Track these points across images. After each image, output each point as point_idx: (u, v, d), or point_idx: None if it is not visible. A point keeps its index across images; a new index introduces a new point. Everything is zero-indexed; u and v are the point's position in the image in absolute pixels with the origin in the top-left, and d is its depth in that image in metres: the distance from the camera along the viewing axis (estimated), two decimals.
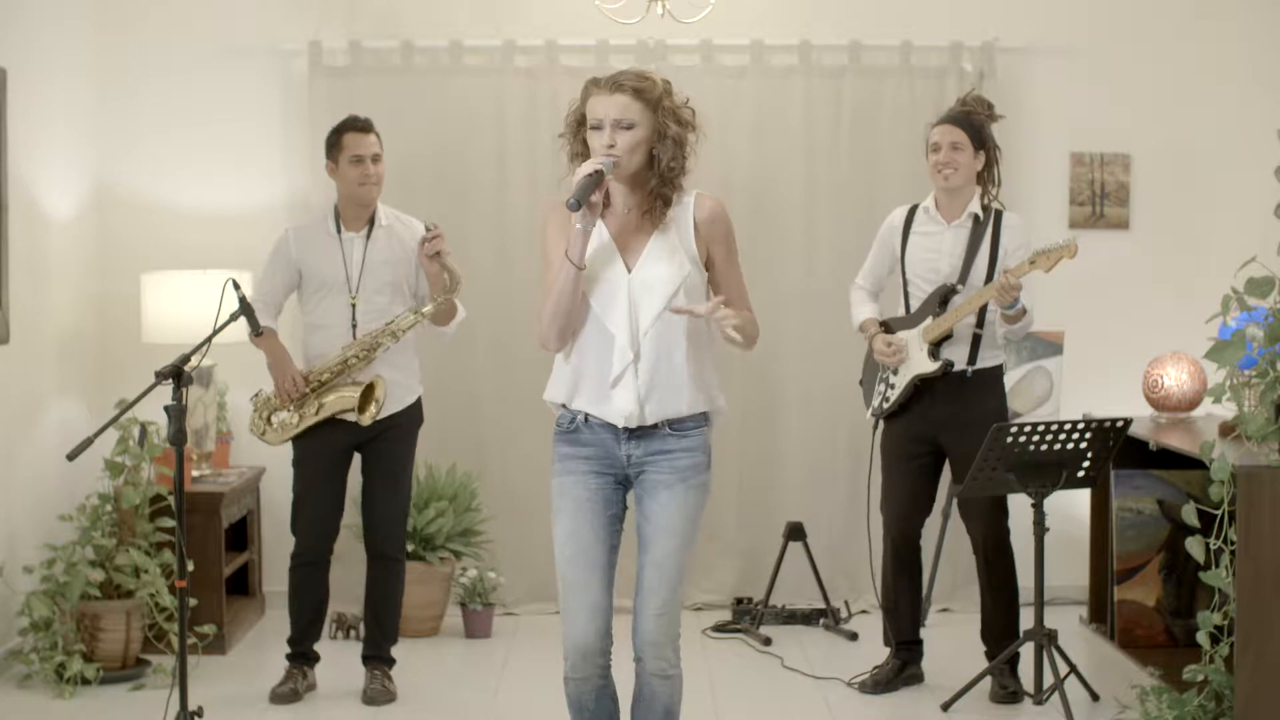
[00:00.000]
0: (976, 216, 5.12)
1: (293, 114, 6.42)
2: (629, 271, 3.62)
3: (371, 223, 5.22)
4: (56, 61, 5.97)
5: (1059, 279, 6.42)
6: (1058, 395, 6.15)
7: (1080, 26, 6.55)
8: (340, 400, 5.12)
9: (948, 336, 5.09)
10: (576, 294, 3.58)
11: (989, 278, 5.05)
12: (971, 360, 5.12)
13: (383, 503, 5.27)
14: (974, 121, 5.12)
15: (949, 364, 5.09)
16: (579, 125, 3.65)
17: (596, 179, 3.51)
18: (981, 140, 5.12)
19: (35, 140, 5.72)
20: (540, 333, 3.63)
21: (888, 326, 5.26)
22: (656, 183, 3.61)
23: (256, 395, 5.26)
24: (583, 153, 3.64)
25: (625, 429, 3.63)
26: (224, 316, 4.43)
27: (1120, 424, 4.94)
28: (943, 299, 5.10)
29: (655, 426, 3.64)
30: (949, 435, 5.13)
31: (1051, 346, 6.17)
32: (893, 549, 5.29)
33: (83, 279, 6.21)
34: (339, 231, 5.21)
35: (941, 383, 5.11)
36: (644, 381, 3.59)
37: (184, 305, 5.84)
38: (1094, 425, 4.88)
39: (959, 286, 5.08)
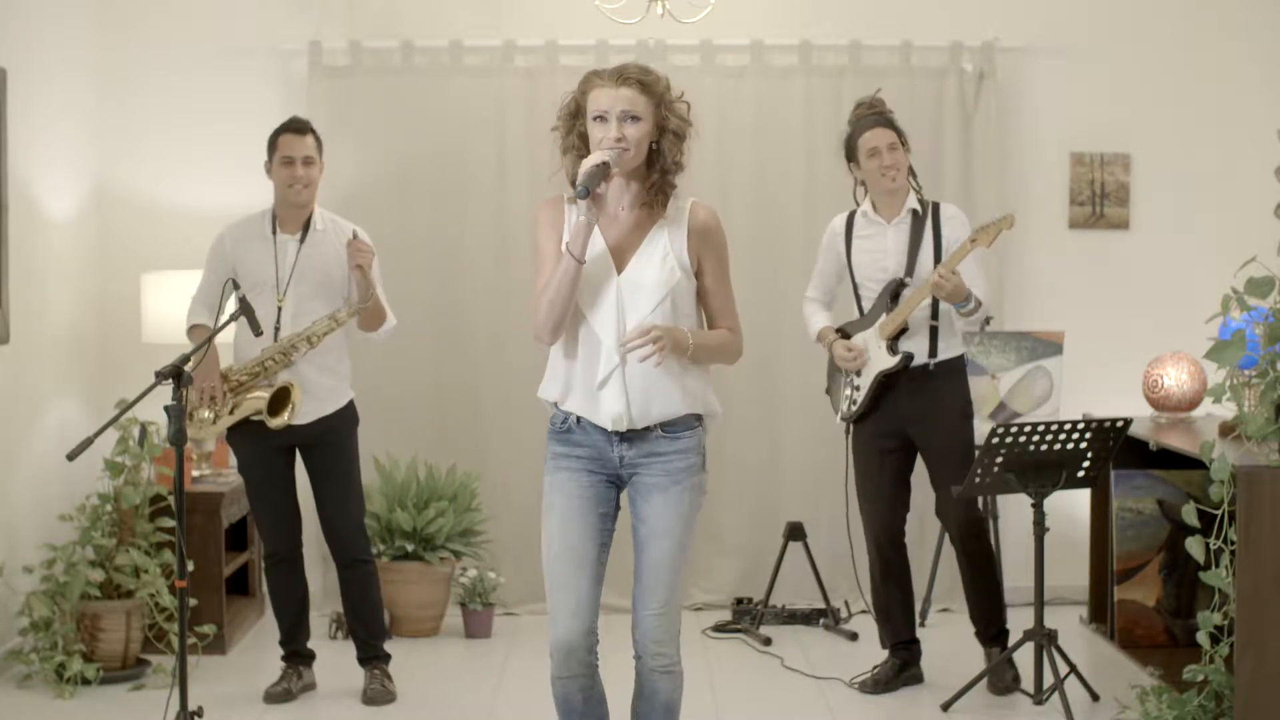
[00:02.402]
0: (915, 211, 5.18)
1: (293, 114, 6.39)
2: (619, 272, 3.60)
3: (307, 226, 5.15)
4: (56, 61, 5.96)
5: (1060, 279, 6.45)
6: (1058, 395, 6.14)
7: (1080, 26, 6.55)
8: (253, 402, 5.08)
9: (904, 330, 5.12)
10: (575, 288, 3.55)
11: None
12: (932, 353, 5.15)
13: (335, 508, 5.20)
14: (894, 121, 5.18)
15: (909, 356, 5.11)
16: (574, 118, 3.63)
17: (603, 170, 3.49)
18: (903, 138, 5.17)
19: (35, 140, 5.72)
20: (535, 326, 3.61)
21: (844, 332, 5.29)
22: (658, 177, 3.59)
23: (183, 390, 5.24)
24: (579, 145, 3.62)
25: (615, 432, 3.62)
26: (224, 316, 4.43)
27: (1120, 424, 4.94)
28: (893, 294, 5.14)
29: (647, 429, 3.62)
30: (918, 429, 5.17)
31: (1051, 346, 6.16)
32: (877, 550, 5.30)
33: (83, 279, 6.21)
34: (274, 233, 5.15)
35: (906, 377, 5.14)
36: (631, 385, 3.57)
37: (184, 305, 5.83)
38: (1094, 425, 4.88)
39: (907, 280, 5.12)
